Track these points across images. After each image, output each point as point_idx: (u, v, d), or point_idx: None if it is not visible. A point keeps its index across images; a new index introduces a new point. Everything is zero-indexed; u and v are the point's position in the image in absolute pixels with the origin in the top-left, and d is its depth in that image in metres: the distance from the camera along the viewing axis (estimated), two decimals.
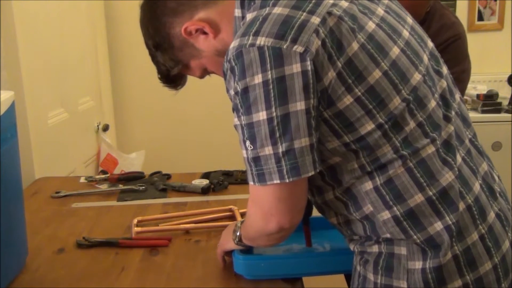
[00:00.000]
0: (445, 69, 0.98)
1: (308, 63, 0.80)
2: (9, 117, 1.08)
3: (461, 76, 1.78)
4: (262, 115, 0.81)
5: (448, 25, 1.85)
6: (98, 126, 2.57)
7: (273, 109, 0.80)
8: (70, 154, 2.23)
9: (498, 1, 2.97)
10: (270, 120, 0.81)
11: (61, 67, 2.14)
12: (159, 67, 1.04)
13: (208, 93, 2.66)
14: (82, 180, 1.79)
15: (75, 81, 2.30)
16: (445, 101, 0.92)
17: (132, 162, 2.55)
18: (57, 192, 1.65)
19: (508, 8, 2.97)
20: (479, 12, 2.98)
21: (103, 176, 1.80)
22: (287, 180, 0.83)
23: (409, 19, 0.96)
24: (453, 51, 1.79)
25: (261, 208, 0.88)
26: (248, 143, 0.84)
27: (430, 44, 0.98)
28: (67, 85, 2.19)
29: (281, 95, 0.80)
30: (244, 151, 0.85)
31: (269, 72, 0.80)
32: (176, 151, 2.96)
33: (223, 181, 1.68)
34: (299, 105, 0.81)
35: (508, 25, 2.99)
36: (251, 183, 0.86)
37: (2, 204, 1.02)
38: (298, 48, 0.80)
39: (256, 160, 0.84)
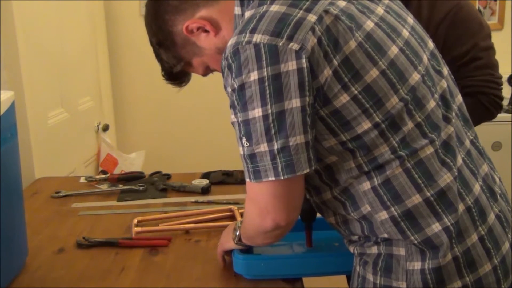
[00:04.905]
0: (446, 70, 0.98)
1: (304, 60, 0.80)
2: (9, 117, 1.08)
3: (487, 43, 1.55)
4: (257, 112, 0.81)
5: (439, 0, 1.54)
6: (98, 126, 2.57)
7: (269, 106, 0.81)
8: (70, 154, 2.23)
9: (498, 1, 2.97)
10: (265, 117, 0.81)
11: (61, 67, 2.14)
12: (163, 65, 1.05)
13: (208, 93, 2.66)
14: (82, 180, 1.79)
15: (75, 81, 2.31)
16: (445, 102, 0.92)
17: (132, 162, 2.55)
18: (57, 192, 1.65)
19: (508, 8, 2.97)
20: (479, 12, 2.98)
21: (103, 176, 1.80)
22: (282, 177, 0.83)
23: (410, 19, 0.96)
24: (461, 24, 1.51)
25: (257, 205, 0.88)
26: (244, 140, 0.84)
27: (431, 44, 0.98)
28: (67, 85, 2.19)
29: (277, 92, 0.80)
30: (241, 148, 0.86)
31: (265, 69, 0.80)
32: (176, 151, 2.96)
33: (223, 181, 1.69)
34: (295, 103, 0.81)
35: (508, 25, 2.99)
36: (247, 180, 0.87)
37: (2, 204, 1.02)
38: (294, 46, 0.80)
39: (251, 157, 0.84)
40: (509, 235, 0.94)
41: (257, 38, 0.81)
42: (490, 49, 1.57)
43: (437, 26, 1.50)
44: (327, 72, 0.82)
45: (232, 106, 0.86)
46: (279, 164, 0.82)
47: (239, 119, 0.84)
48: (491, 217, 0.92)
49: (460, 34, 1.51)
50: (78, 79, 2.35)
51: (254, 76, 0.81)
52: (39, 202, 1.60)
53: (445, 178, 0.87)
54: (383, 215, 0.89)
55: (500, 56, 2.94)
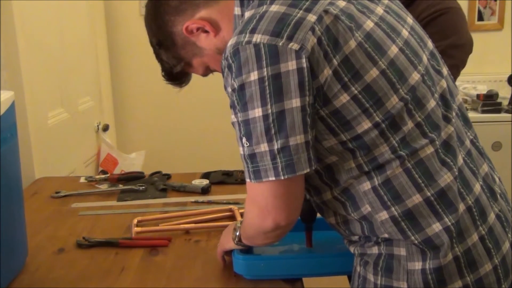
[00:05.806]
0: (445, 70, 0.98)
1: (304, 60, 0.80)
2: (9, 117, 1.08)
3: (449, 51, 1.63)
4: (257, 112, 0.81)
5: (438, 0, 1.68)
6: (98, 126, 2.57)
7: (269, 106, 0.81)
8: (70, 154, 2.23)
9: (498, 1, 2.96)
10: (265, 117, 0.81)
11: (61, 67, 2.14)
12: (163, 65, 1.05)
13: (208, 93, 2.66)
14: (82, 180, 1.79)
15: (75, 81, 2.30)
16: (445, 102, 0.92)
17: (132, 162, 2.55)
18: (57, 192, 1.65)
19: (508, 8, 2.97)
20: (479, 12, 2.98)
21: (103, 176, 1.80)
22: (282, 177, 0.83)
23: (409, 19, 0.96)
24: (439, 24, 1.64)
25: (258, 205, 0.88)
26: (244, 140, 0.84)
27: (431, 44, 0.98)
28: (67, 85, 2.19)
29: (277, 92, 0.80)
30: (241, 148, 0.86)
31: (265, 69, 0.80)
32: (176, 151, 2.96)
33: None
34: (295, 102, 0.81)
35: (508, 25, 2.99)
36: (247, 180, 0.87)
37: (2, 204, 1.02)
38: (294, 46, 0.80)
39: (252, 156, 0.84)
40: (509, 235, 0.94)
41: (257, 38, 0.81)
42: (451, 58, 1.61)
43: (423, 18, 1.59)
44: (327, 72, 0.82)
45: (232, 106, 0.86)
46: (279, 164, 0.82)
47: (239, 119, 0.84)
48: (492, 217, 0.92)
49: (432, 32, 1.55)
50: (78, 79, 2.35)
51: (254, 76, 0.81)
52: (39, 202, 1.60)
53: (446, 178, 0.87)
54: (384, 215, 0.89)
55: (500, 56, 2.96)
